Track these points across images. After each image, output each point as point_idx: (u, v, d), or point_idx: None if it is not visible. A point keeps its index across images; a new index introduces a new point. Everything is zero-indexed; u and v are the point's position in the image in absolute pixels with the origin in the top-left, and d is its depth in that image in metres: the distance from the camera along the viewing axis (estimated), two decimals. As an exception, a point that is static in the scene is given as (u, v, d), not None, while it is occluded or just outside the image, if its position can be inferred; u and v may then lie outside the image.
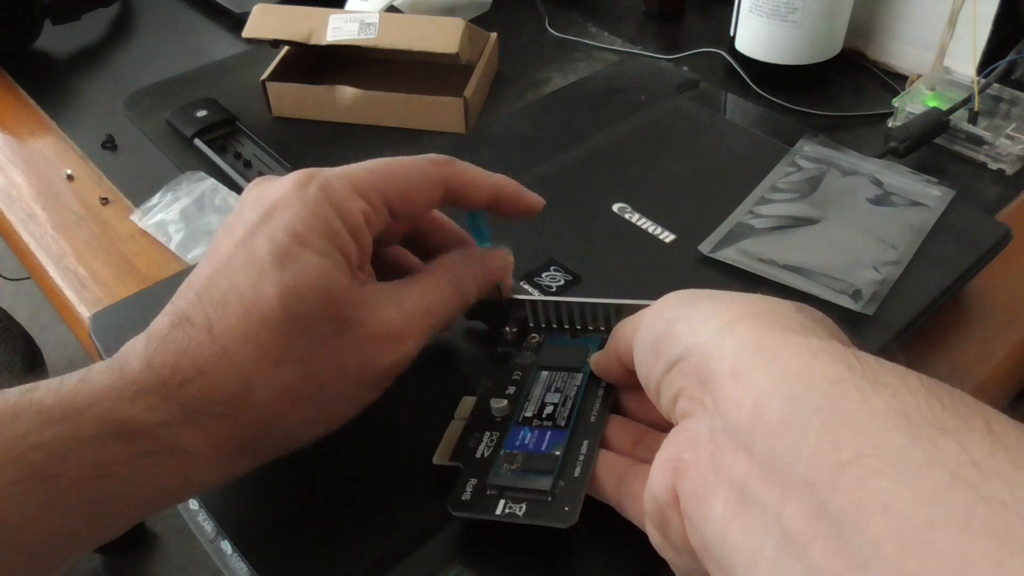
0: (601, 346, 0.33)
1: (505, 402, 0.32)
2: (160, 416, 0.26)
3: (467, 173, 0.33)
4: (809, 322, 0.24)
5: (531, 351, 0.35)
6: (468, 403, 0.33)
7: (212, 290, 0.28)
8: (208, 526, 0.31)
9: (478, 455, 0.30)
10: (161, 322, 0.28)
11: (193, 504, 0.32)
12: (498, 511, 0.28)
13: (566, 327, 0.35)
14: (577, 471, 0.29)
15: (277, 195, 0.29)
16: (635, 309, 0.33)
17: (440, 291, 0.31)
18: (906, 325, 0.39)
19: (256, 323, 0.27)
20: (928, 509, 0.17)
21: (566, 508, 0.28)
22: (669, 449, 0.24)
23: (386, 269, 0.34)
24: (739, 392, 0.22)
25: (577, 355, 0.34)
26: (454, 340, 0.37)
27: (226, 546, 0.31)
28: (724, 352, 0.23)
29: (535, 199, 0.35)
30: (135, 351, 0.27)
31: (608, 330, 0.34)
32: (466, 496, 0.29)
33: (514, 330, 0.36)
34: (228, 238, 0.29)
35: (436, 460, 0.31)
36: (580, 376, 0.33)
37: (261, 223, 0.29)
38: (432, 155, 0.33)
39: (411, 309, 0.30)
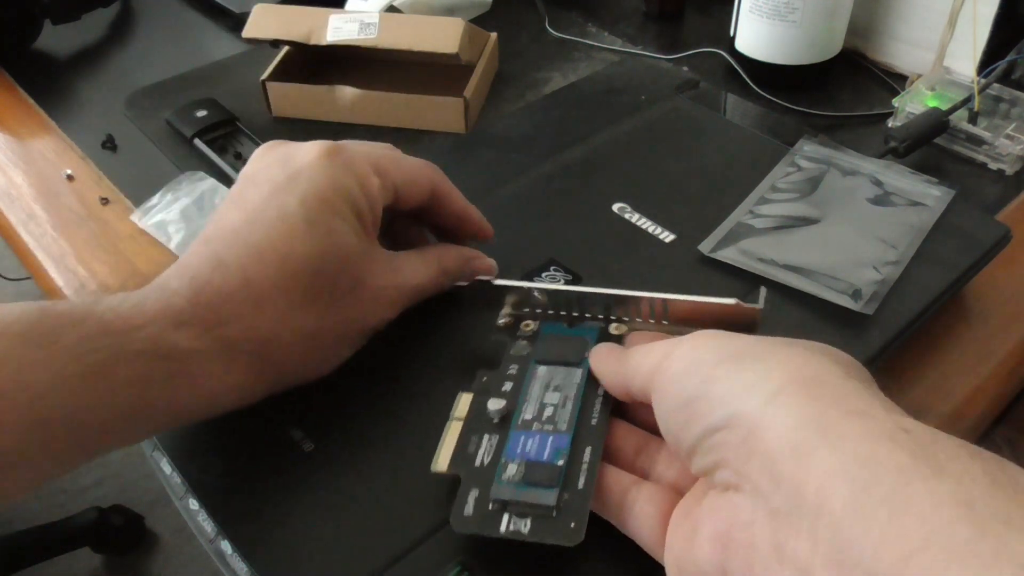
0: (599, 337, 0.33)
1: (503, 402, 0.31)
2: (199, 345, 0.30)
3: (449, 186, 0.38)
4: (860, 388, 0.23)
5: (526, 340, 0.34)
6: (465, 401, 0.32)
7: (247, 240, 0.31)
8: (208, 526, 0.31)
9: (477, 463, 0.30)
10: (200, 261, 0.31)
11: (193, 504, 0.32)
12: (502, 528, 0.28)
13: (563, 313, 0.35)
14: (581, 483, 0.28)
15: (305, 160, 0.33)
16: (635, 301, 0.33)
17: (428, 274, 0.36)
18: (906, 325, 0.39)
19: (289, 277, 0.31)
20: None
21: (572, 524, 0.27)
22: (715, 522, 0.24)
23: (394, 239, 0.39)
24: (802, 473, 0.21)
25: (575, 348, 0.33)
26: (448, 328, 0.37)
27: (226, 546, 0.31)
28: (780, 428, 0.22)
29: (489, 228, 0.39)
30: (180, 285, 0.31)
31: (606, 319, 0.34)
32: (468, 511, 0.28)
33: (507, 320, 0.35)
34: (255, 191, 0.33)
35: (435, 468, 0.30)
36: (579, 373, 0.32)
37: (289, 183, 0.33)
38: (428, 161, 0.37)
39: (403, 282, 0.35)
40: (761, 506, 0.22)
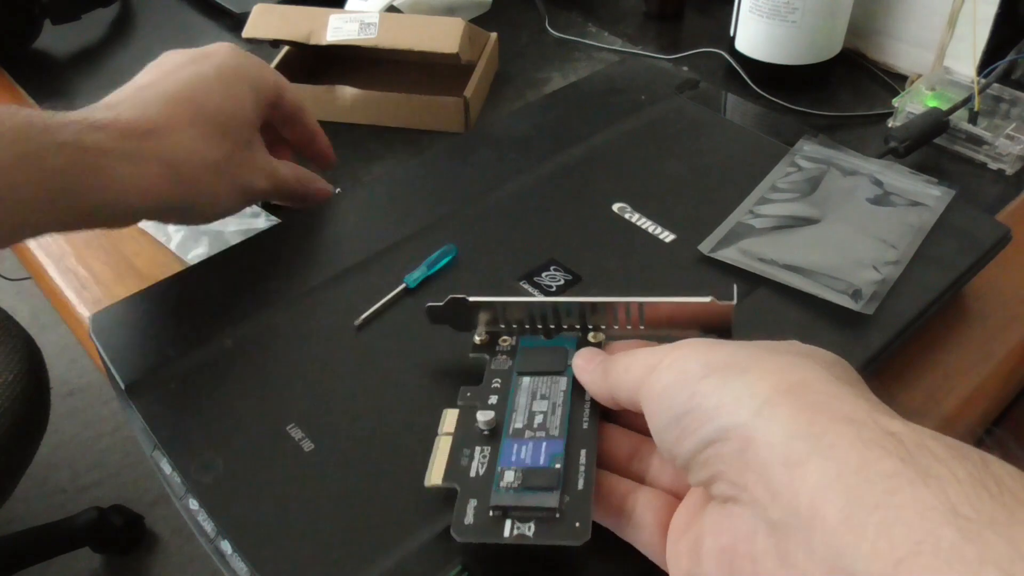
0: (578, 345, 0.33)
1: (492, 414, 0.31)
2: (114, 146, 0.36)
3: (309, 112, 0.48)
4: (847, 391, 0.24)
5: (506, 355, 0.34)
6: (451, 416, 0.32)
7: (168, 84, 0.40)
8: (208, 526, 0.31)
9: (473, 474, 0.29)
10: (120, 98, 0.39)
11: (193, 504, 0.32)
12: (506, 533, 0.27)
13: (539, 327, 0.34)
14: (581, 483, 0.28)
15: (217, 47, 0.43)
16: (610, 308, 0.33)
17: (285, 175, 0.45)
18: (906, 325, 0.39)
19: (201, 118, 0.39)
20: None
21: (577, 524, 0.27)
22: (718, 537, 0.24)
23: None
24: (795, 484, 0.21)
25: (556, 358, 0.33)
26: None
27: (226, 546, 0.31)
28: (771, 438, 0.22)
29: (332, 156, 0.50)
30: (103, 110, 0.38)
31: (583, 328, 0.34)
32: (469, 520, 0.28)
33: (484, 338, 0.35)
34: (170, 61, 0.42)
35: (429, 483, 0.30)
36: (564, 380, 0.32)
37: (204, 58, 0.42)
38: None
39: (273, 168, 0.44)
40: (761, 518, 0.22)
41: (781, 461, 0.22)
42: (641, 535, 0.28)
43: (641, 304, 0.32)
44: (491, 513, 0.28)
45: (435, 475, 0.30)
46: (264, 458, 0.33)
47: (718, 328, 0.32)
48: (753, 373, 0.24)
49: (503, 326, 0.35)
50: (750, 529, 0.23)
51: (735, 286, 0.32)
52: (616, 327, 0.33)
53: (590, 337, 0.34)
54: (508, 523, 0.28)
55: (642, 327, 0.33)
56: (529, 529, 0.27)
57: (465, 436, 0.31)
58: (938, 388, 0.41)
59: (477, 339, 0.35)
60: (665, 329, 0.33)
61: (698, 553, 0.25)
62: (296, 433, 0.33)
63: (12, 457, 0.82)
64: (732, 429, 0.23)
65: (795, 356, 0.25)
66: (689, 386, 0.25)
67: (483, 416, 0.31)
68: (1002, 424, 0.47)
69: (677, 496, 0.28)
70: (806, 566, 0.21)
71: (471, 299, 0.34)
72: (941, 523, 0.19)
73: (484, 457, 0.30)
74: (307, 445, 0.33)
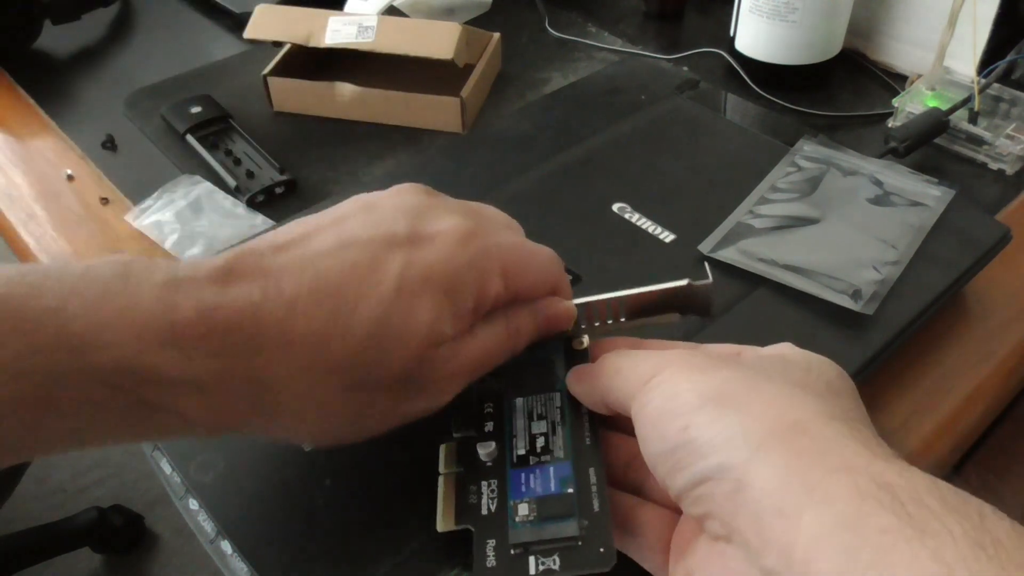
0: (565, 354, 0.32)
1: (492, 445, 0.30)
2: (183, 373, 0.24)
3: (565, 283, 0.33)
4: (844, 434, 0.23)
5: (492, 376, 0.31)
6: (450, 452, 0.30)
7: (319, 270, 0.26)
8: (208, 526, 0.31)
9: (484, 511, 0.28)
10: (249, 267, 0.26)
11: (193, 504, 0.32)
12: (532, 572, 0.26)
13: None
14: (596, 505, 0.28)
15: (437, 230, 0.28)
16: (588, 308, 0.32)
17: (496, 340, 0.30)
18: (906, 325, 0.39)
19: (337, 342, 0.26)
20: None
21: (601, 550, 0.26)
22: (711, 572, 0.24)
23: None
24: (788, 536, 0.21)
25: (545, 374, 0.32)
26: None
27: (226, 546, 0.30)
28: (765, 484, 0.22)
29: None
30: (196, 285, 0.25)
31: (566, 335, 0.33)
32: (491, 563, 0.27)
33: None
34: (361, 223, 0.28)
35: (441, 528, 0.28)
36: (558, 396, 0.31)
37: (406, 244, 0.28)
38: (555, 256, 0.32)
39: (463, 361, 0.29)
40: (754, 563, 0.22)
41: (775, 510, 0.22)
42: (643, 552, 0.28)
43: (619, 298, 0.32)
44: (512, 551, 0.27)
45: (446, 519, 0.29)
46: (264, 458, 0.33)
47: (698, 308, 0.32)
48: (748, 410, 0.24)
49: None
50: (743, 571, 0.23)
51: (706, 265, 0.32)
52: (597, 324, 0.33)
53: (574, 344, 0.33)
54: (532, 560, 0.27)
55: (623, 320, 0.33)
56: (555, 563, 0.26)
57: (469, 471, 0.30)
58: (938, 388, 0.41)
59: None
60: (646, 318, 0.33)
61: None
62: (296, 433, 0.33)
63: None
64: (726, 470, 0.23)
65: (791, 390, 0.25)
66: (683, 417, 0.24)
67: (484, 449, 0.30)
68: (1001, 425, 0.47)
69: (676, 510, 0.28)
70: None
71: None
72: None
73: (493, 492, 0.29)
74: (307, 445, 0.33)
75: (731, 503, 0.23)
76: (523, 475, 0.29)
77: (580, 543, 0.27)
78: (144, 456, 0.35)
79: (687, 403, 0.25)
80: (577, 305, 0.32)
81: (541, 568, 0.26)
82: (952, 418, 0.41)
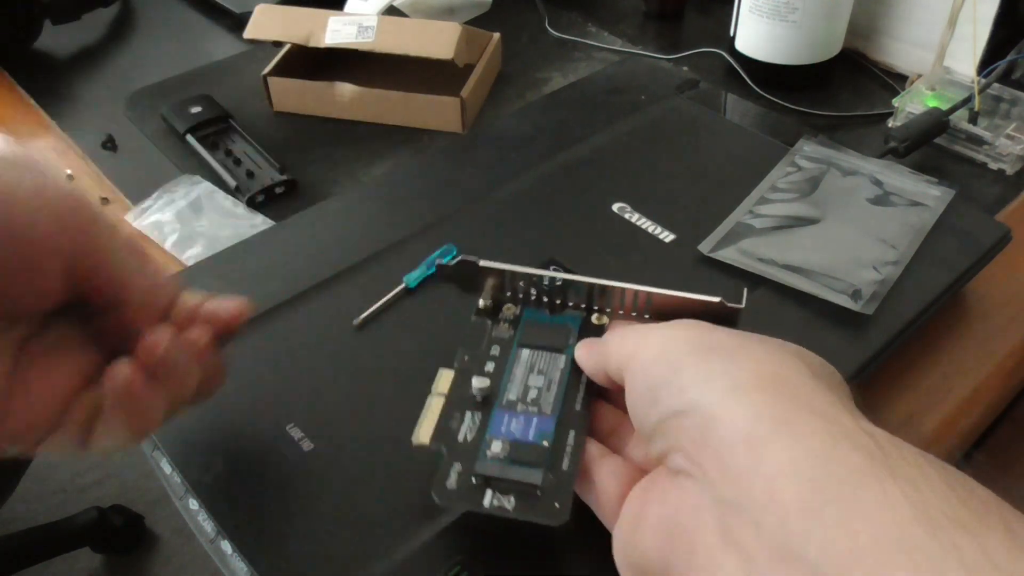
0: (582, 327, 0.33)
1: (487, 381, 0.31)
2: None
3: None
4: (825, 391, 0.23)
5: (508, 323, 0.33)
6: (446, 377, 0.31)
7: None
8: (208, 526, 0.31)
9: (461, 438, 0.29)
10: None
11: (193, 504, 0.32)
12: (486, 503, 0.27)
13: (545, 300, 0.34)
14: (566, 464, 0.28)
15: None
16: (618, 292, 0.33)
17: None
18: (906, 325, 0.39)
19: None
20: None
21: (557, 505, 0.27)
22: (662, 507, 0.24)
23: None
24: (753, 464, 0.21)
25: (559, 335, 0.33)
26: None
27: (226, 546, 0.30)
28: (736, 419, 0.22)
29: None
30: None
31: (588, 308, 0.34)
32: (451, 484, 0.28)
33: (488, 303, 0.34)
34: None
35: (416, 440, 0.29)
36: (563, 359, 0.32)
37: None
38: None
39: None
40: (708, 493, 0.22)
41: (742, 440, 0.22)
42: (599, 499, 0.28)
43: (649, 293, 0.32)
44: (473, 480, 0.28)
45: (423, 434, 0.29)
46: (264, 458, 0.33)
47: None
48: (735, 358, 0.24)
49: (509, 294, 0.35)
50: (695, 503, 0.23)
51: (745, 290, 0.32)
52: (621, 312, 0.33)
53: (593, 319, 0.33)
54: (489, 493, 0.28)
55: (647, 316, 0.33)
56: (509, 502, 0.27)
57: (458, 399, 0.31)
58: (938, 388, 0.41)
59: (481, 303, 0.35)
60: (668, 320, 0.33)
61: (640, 520, 0.25)
62: (296, 433, 0.33)
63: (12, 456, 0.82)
64: (699, 405, 0.23)
65: (782, 351, 0.25)
66: (671, 360, 0.25)
67: (478, 382, 0.30)
68: (1001, 425, 0.47)
69: (644, 472, 0.28)
70: (751, 547, 0.20)
71: (481, 263, 0.34)
72: (907, 519, 0.18)
73: (474, 423, 0.30)
74: (307, 445, 0.33)
75: (699, 436, 0.23)
76: (507, 416, 0.30)
77: (540, 493, 0.27)
78: (144, 456, 0.35)
79: (679, 350, 0.25)
80: (605, 287, 0.33)
81: (495, 504, 0.27)
82: (952, 418, 0.41)
